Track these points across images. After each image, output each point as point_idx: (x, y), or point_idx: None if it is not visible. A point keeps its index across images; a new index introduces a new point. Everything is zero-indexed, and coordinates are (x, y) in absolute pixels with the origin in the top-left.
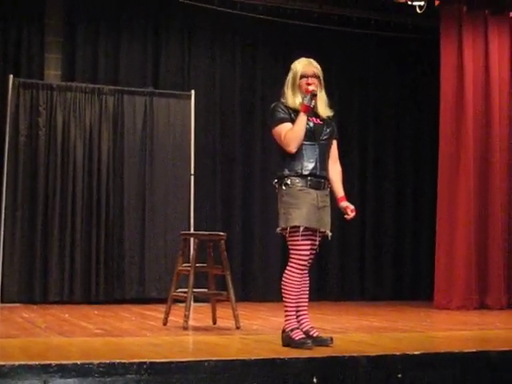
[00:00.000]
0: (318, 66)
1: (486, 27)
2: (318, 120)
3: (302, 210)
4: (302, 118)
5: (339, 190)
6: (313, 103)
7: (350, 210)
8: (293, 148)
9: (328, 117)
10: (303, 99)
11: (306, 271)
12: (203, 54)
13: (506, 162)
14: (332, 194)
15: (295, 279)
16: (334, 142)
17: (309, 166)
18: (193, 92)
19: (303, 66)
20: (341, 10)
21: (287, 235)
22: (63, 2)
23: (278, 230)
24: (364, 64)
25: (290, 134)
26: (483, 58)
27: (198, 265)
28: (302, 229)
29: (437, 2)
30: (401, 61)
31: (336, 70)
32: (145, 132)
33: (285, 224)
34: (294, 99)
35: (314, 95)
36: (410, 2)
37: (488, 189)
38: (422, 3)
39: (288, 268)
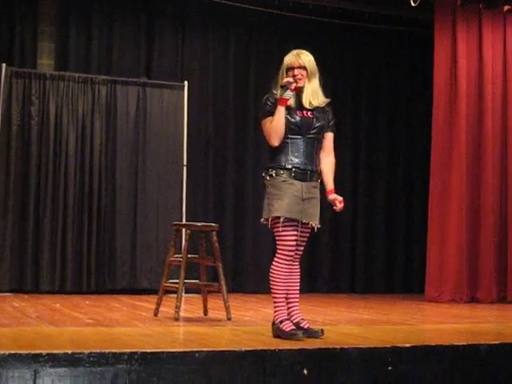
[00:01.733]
0: (308, 58)
1: (480, 21)
2: (308, 113)
3: (284, 201)
4: (279, 112)
5: (329, 183)
6: (288, 95)
7: (339, 202)
8: (274, 141)
9: (322, 108)
10: (281, 92)
11: (296, 262)
12: (197, 44)
13: (498, 157)
14: (322, 186)
15: (282, 270)
16: (330, 135)
17: (294, 159)
18: (186, 83)
19: (290, 58)
20: (335, 2)
21: (272, 226)
22: None
23: (262, 220)
24: (358, 56)
25: (269, 127)
26: (477, 52)
27: (189, 256)
28: (282, 219)
29: None
30: (394, 54)
31: (329, 62)
32: (138, 122)
33: (267, 214)
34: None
35: (285, 87)
36: None
37: (480, 183)
38: None
39: (275, 259)
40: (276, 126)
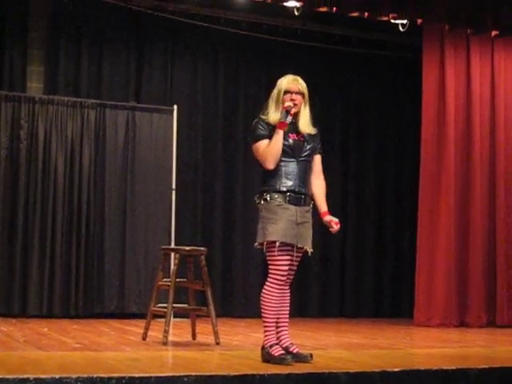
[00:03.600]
0: (304, 84)
1: (468, 46)
2: (299, 137)
3: (279, 225)
4: (278, 135)
5: (322, 205)
6: (289, 119)
7: (335, 223)
8: (270, 165)
9: (308, 134)
10: (280, 116)
11: (287, 287)
12: (186, 69)
13: (486, 182)
14: (315, 209)
15: (274, 295)
16: (318, 157)
17: (288, 182)
18: (175, 107)
19: (288, 81)
20: (323, 27)
21: (265, 250)
22: (47, 15)
23: (256, 244)
24: (346, 81)
25: (266, 150)
26: (465, 77)
27: (178, 280)
28: (278, 244)
29: (419, 21)
30: (383, 78)
31: (318, 87)
32: (126, 146)
33: (262, 239)
34: (275, 115)
35: (288, 111)
36: (393, 21)
37: (469, 208)
38: (404, 21)
39: (267, 283)
40: (274, 149)
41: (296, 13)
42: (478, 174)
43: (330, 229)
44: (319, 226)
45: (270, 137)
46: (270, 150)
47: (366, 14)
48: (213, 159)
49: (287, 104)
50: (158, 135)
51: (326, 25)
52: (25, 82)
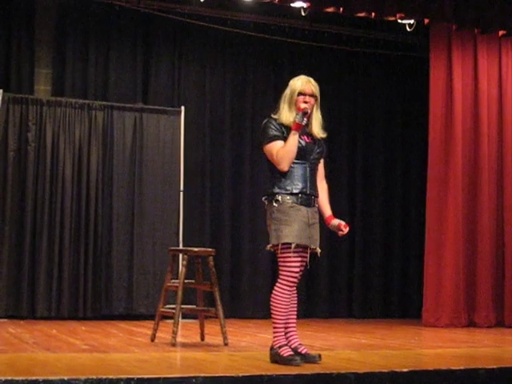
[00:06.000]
0: (317, 86)
1: (476, 46)
2: (310, 139)
3: (293, 227)
4: (294, 137)
5: (327, 209)
6: (305, 121)
7: (344, 226)
8: (285, 166)
9: (321, 137)
10: (295, 117)
11: (295, 288)
12: (193, 70)
13: (494, 182)
14: (319, 213)
15: (285, 296)
16: (322, 160)
17: (299, 184)
18: (183, 108)
19: (302, 83)
20: (331, 27)
21: (278, 252)
22: (54, 17)
23: (269, 246)
24: (353, 81)
25: (282, 152)
26: (472, 77)
27: (186, 281)
28: (293, 246)
29: (426, 21)
30: (390, 78)
31: (325, 87)
32: (134, 148)
33: (276, 241)
34: (289, 115)
35: (305, 113)
36: (400, 20)
37: (476, 208)
38: (411, 21)
39: (278, 285)
40: (290, 150)
41: (303, 13)
42: (485, 173)
43: (340, 232)
44: (326, 227)
45: (283, 138)
46: (286, 151)
47: (373, 14)
48: (220, 160)
49: (304, 106)
50: (166, 137)
51: (332, 25)
52: (32, 84)
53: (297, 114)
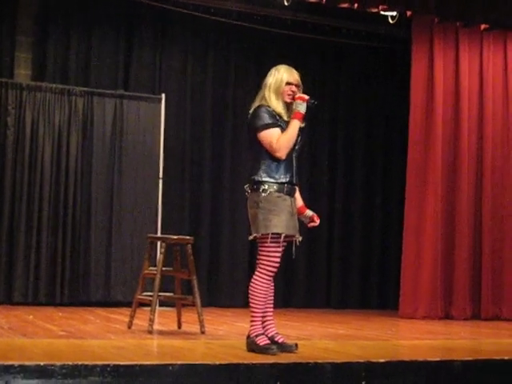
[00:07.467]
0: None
1: (457, 39)
2: None
3: (282, 217)
4: (297, 126)
5: (299, 199)
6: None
7: (316, 217)
8: (283, 154)
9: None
10: (297, 106)
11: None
12: (175, 57)
13: (473, 172)
14: None
15: (264, 286)
16: None
17: (286, 174)
18: (163, 95)
19: (289, 73)
20: (314, 18)
21: (263, 242)
22: (35, 2)
23: (258, 235)
24: (336, 72)
25: (283, 139)
26: (453, 69)
27: (164, 268)
28: (283, 236)
29: (409, 13)
30: (372, 70)
31: (307, 77)
32: (114, 134)
33: (265, 230)
34: (278, 104)
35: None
36: (382, 12)
37: (455, 199)
38: (394, 13)
39: (257, 274)
40: (292, 139)
41: (286, 3)
42: (465, 165)
43: (311, 223)
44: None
45: (278, 125)
46: (287, 139)
47: (356, 5)
48: (201, 148)
49: (303, 96)
50: (146, 124)
51: (316, 15)
52: (12, 68)
53: (299, 104)
